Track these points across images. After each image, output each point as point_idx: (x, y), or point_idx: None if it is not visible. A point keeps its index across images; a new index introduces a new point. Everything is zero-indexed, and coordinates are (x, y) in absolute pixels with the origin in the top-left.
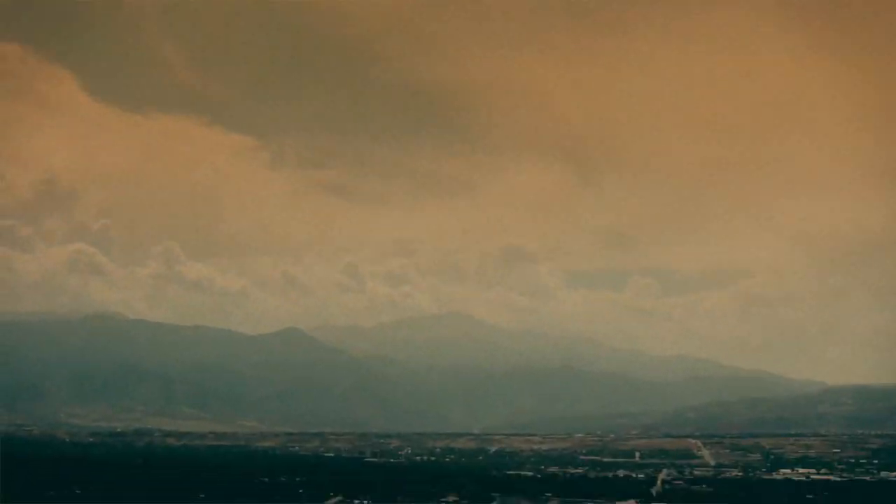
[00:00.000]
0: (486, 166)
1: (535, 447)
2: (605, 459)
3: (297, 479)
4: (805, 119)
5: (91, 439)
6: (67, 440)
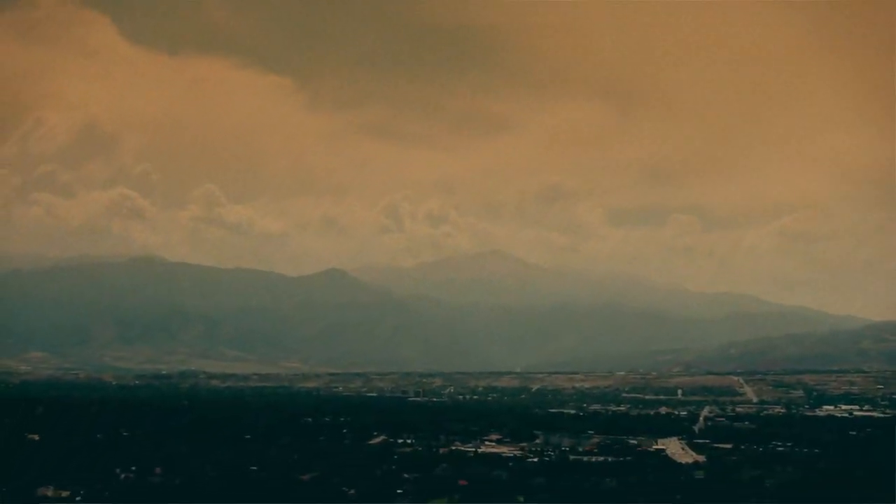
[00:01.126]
0: (524, 105)
1: (577, 385)
2: (648, 397)
3: (341, 419)
4: (848, 50)
5: (137, 382)
6: (114, 383)
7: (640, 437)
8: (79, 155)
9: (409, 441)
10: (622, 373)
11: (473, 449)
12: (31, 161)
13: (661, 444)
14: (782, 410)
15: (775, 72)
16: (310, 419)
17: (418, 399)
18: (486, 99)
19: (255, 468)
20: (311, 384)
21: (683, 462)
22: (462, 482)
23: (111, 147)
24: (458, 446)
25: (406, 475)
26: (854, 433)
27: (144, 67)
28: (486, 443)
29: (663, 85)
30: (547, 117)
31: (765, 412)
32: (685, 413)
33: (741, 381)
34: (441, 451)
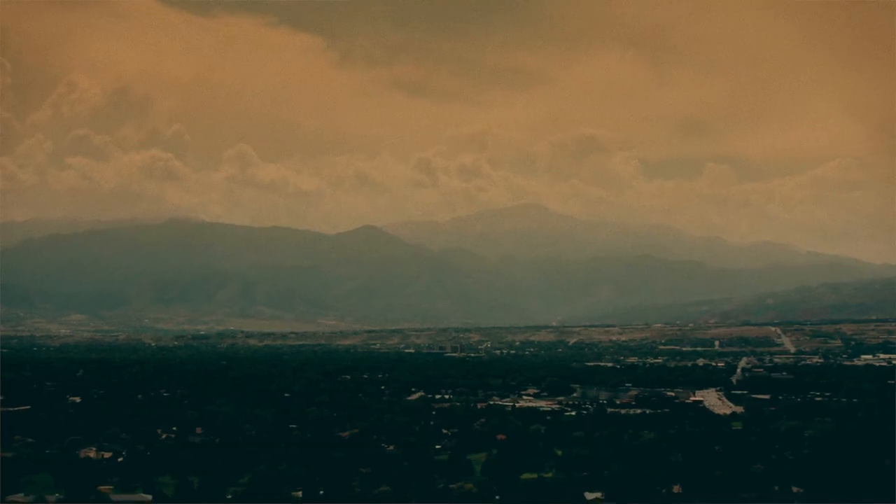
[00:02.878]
0: (556, 57)
1: (614, 338)
2: (685, 349)
3: (379, 375)
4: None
5: (175, 343)
6: (153, 344)
7: (677, 389)
8: (112, 118)
9: (447, 396)
10: (659, 325)
11: (511, 403)
12: (65, 125)
13: (698, 396)
14: (820, 360)
15: (812, 20)
16: (348, 376)
17: (455, 354)
18: (518, 52)
19: (294, 426)
20: (348, 342)
21: (721, 413)
22: (500, 436)
23: (144, 109)
24: (495, 401)
25: (445, 430)
26: (893, 382)
27: (175, 28)
28: (524, 397)
29: (697, 35)
30: (580, 70)
31: (802, 362)
32: (723, 364)
33: (779, 331)
34: (479, 406)
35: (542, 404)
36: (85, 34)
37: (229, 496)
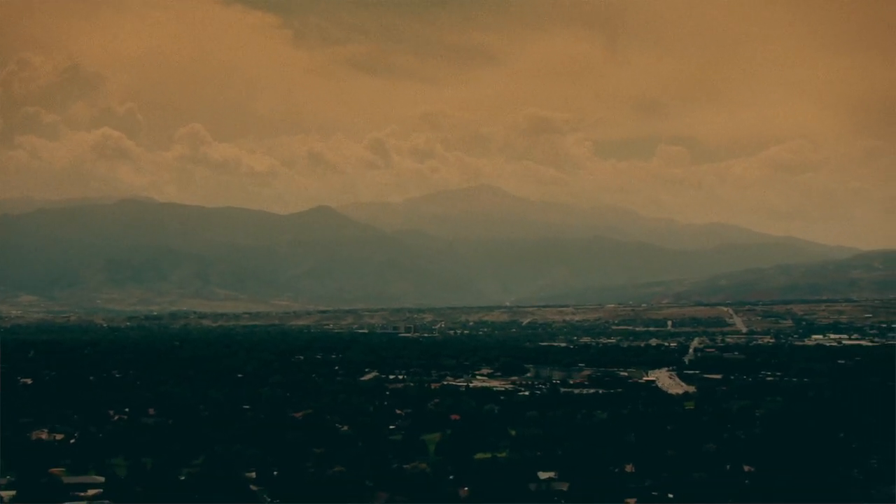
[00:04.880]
0: (511, 37)
1: (568, 318)
2: (638, 329)
3: (333, 356)
4: None
5: (128, 323)
6: (105, 325)
7: (630, 369)
8: (63, 96)
9: (400, 377)
10: (612, 305)
11: (465, 384)
12: (15, 103)
13: (651, 376)
14: (771, 340)
15: (766, 2)
16: (301, 357)
17: (409, 335)
18: (473, 32)
19: (247, 407)
20: (301, 322)
21: (674, 393)
22: (454, 416)
23: (95, 87)
24: (449, 381)
25: (398, 411)
26: (843, 362)
27: (128, 5)
28: (478, 377)
29: (651, 15)
30: (534, 50)
31: (754, 342)
32: (675, 344)
33: (731, 311)
34: (433, 386)
35: (496, 384)
36: (35, 11)
37: (183, 477)
